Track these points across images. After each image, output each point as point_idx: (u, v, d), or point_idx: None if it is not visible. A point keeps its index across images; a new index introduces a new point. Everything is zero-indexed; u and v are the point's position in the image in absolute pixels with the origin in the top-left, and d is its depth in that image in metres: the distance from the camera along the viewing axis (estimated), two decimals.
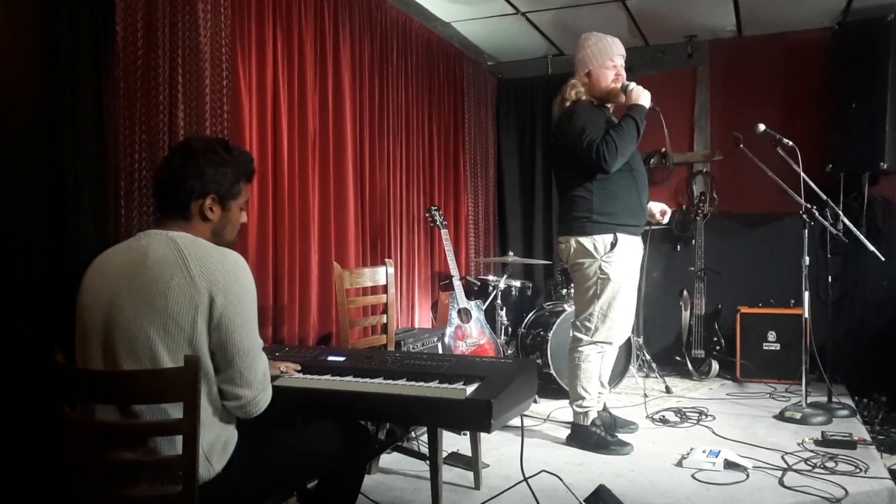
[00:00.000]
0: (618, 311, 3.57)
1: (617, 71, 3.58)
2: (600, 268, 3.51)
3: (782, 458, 3.41)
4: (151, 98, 2.74)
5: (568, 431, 3.78)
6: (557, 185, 3.82)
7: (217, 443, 1.78)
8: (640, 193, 3.62)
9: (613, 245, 3.49)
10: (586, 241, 3.52)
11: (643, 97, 3.52)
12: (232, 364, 1.77)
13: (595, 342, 3.58)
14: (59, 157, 2.43)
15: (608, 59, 3.56)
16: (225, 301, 1.73)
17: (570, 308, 4.75)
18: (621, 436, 3.65)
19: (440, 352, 4.20)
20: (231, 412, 1.84)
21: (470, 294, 4.77)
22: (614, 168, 3.42)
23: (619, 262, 3.52)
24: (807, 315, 4.17)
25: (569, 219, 3.60)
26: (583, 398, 3.60)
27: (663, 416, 4.17)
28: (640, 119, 3.47)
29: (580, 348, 3.61)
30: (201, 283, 1.71)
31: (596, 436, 3.56)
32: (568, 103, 3.59)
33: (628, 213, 3.54)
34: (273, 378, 2.04)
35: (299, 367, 2.36)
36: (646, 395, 4.70)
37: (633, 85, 3.56)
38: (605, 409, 3.82)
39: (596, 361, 3.62)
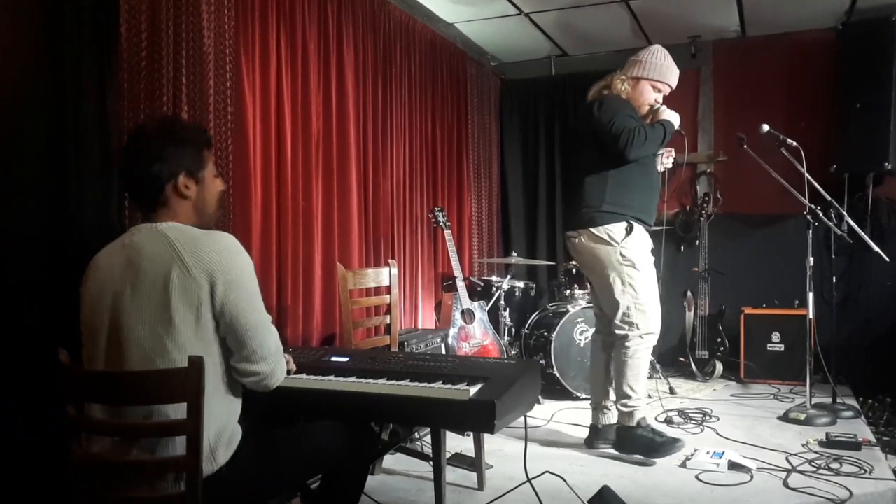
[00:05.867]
0: (652, 298, 3.44)
1: (657, 97, 3.57)
2: (621, 254, 3.38)
3: (786, 459, 3.40)
4: (155, 99, 2.74)
5: (571, 432, 3.78)
6: (570, 176, 3.69)
7: (223, 434, 1.78)
8: (656, 195, 3.57)
9: (629, 232, 3.39)
10: (599, 232, 3.41)
11: (674, 116, 3.51)
12: (244, 344, 1.80)
13: (641, 335, 3.42)
14: (62, 158, 2.44)
15: (661, 81, 3.55)
16: (225, 287, 1.74)
17: (573, 309, 4.75)
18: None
19: (443, 353, 4.19)
20: (242, 395, 1.87)
21: (473, 295, 4.76)
22: (633, 156, 3.33)
23: (638, 248, 3.42)
24: (811, 316, 4.17)
25: (579, 210, 3.47)
26: (629, 397, 3.45)
27: (667, 418, 4.16)
28: (669, 130, 3.45)
29: (627, 344, 3.42)
30: (198, 273, 1.72)
31: (644, 438, 3.41)
32: (606, 91, 3.53)
33: (640, 207, 3.45)
34: None
35: (294, 367, 2.35)
36: (650, 396, 4.69)
37: (663, 106, 3.56)
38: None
39: (644, 357, 3.46)
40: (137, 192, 1.88)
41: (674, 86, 3.62)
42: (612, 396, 3.65)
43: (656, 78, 3.55)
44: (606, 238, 3.40)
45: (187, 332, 1.72)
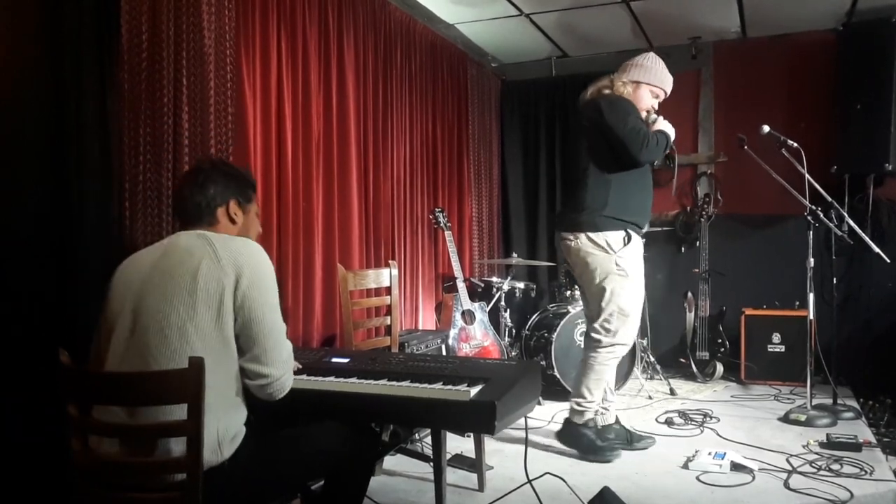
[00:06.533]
0: (636, 309, 3.48)
1: (654, 103, 3.59)
2: (617, 264, 3.40)
3: (787, 460, 3.40)
4: (156, 100, 2.75)
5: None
6: (571, 176, 3.66)
7: (230, 429, 1.80)
8: (650, 199, 3.60)
9: (626, 242, 3.41)
10: (598, 238, 3.40)
11: (670, 129, 3.52)
12: (257, 342, 1.84)
13: (614, 344, 3.47)
14: (63, 158, 2.44)
15: (658, 87, 3.57)
16: (249, 281, 1.81)
17: (574, 310, 4.74)
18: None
19: (444, 354, 4.19)
20: (253, 395, 1.89)
21: (474, 296, 4.76)
22: (645, 160, 3.37)
23: (633, 258, 3.45)
24: (811, 317, 4.16)
25: (578, 213, 3.45)
26: (584, 398, 3.52)
27: (668, 419, 4.16)
28: (670, 141, 3.47)
29: (599, 349, 3.48)
30: (227, 263, 1.81)
31: (587, 438, 3.50)
32: (607, 91, 3.51)
33: (636, 212, 3.47)
34: None
35: (300, 366, 2.36)
36: (650, 398, 4.69)
37: (659, 118, 3.56)
38: (617, 421, 3.71)
39: (611, 365, 3.53)
40: (192, 213, 1.99)
41: (669, 92, 3.65)
42: (610, 396, 3.69)
43: (656, 83, 3.57)
44: (604, 245, 3.41)
45: (208, 319, 1.77)
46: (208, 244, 1.86)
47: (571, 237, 3.49)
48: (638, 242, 3.51)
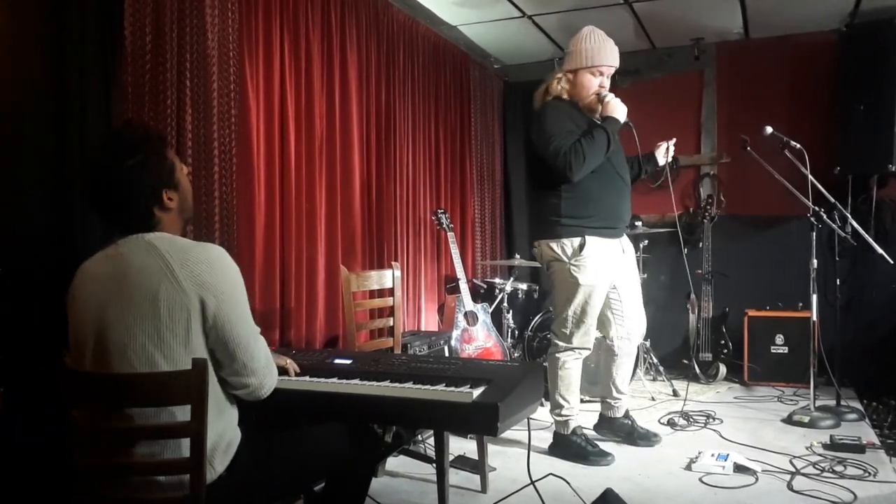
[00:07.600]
0: (592, 316, 3.49)
1: (601, 81, 3.46)
2: (569, 271, 3.43)
3: (790, 461, 3.39)
4: (159, 101, 2.75)
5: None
6: (530, 189, 3.73)
7: (220, 443, 1.78)
8: (619, 196, 3.52)
9: (582, 247, 3.40)
10: (555, 245, 3.46)
11: (619, 111, 3.40)
12: (234, 357, 1.78)
13: (572, 348, 3.52)
14: (67, 160, 2.44)
15: (597, 66, 3.42)
16: (216, 301, 1.72)
17: None
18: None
19: (446, 355, 4.19)
20: (240, 399, 1.87)
21: (476, 297, 4.76)
22: (578, 177, 3.31)
23: (590, 265, 3.41)
24: (815, 318, 4.15)
25: (539, 222, 3.55)
26: (562, 406, 3.54)
27: (671, 420, 4.15)
28: (612, 132, 3.36)
29: (557, 354, 3.55)
30: (189, 287, 1.69)
31: (576, 445, 3.51)
32: (550, 97, 3.47)
33: (602, 215, 3.44)
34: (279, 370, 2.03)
35: (298, 370, 2.36)
36: (653, 399, 4.69)
37: (610, 96, 3.44)
38: (625, 415, 3.74)
39: (575, 368, 3.55)
40: (133, 228, 1.78)
41: (615, 64, 3.49)
42: (615, 393, 3.72)
43: (592, 64, 3.42)
44: (559, 252, 3.45)
45: (177, 345, 1.70)
46: (164, 263, 1.69)
47: (536, 245, 3.61)
48: (602, 247, 3.45)
